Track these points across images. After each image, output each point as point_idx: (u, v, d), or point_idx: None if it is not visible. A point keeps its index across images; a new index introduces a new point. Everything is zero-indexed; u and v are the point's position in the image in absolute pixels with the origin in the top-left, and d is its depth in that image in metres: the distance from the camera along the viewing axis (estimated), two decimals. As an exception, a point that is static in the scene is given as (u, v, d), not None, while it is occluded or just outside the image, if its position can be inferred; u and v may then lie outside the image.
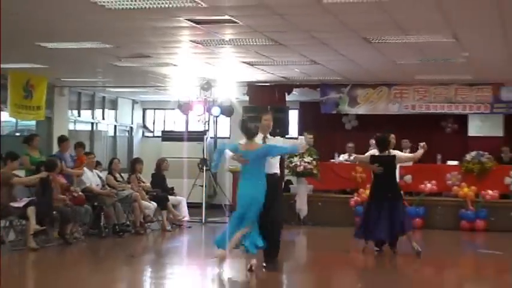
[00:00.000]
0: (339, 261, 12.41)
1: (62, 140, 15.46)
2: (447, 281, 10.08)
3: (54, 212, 12.83)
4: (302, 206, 17.93)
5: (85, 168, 14.74)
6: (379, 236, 12.29)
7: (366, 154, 13.20)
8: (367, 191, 17.09)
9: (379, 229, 12.09)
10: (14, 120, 18.98)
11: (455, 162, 17.84)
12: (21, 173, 13.60)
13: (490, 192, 17.17)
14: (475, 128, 19.08)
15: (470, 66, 15.37)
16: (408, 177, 17.32)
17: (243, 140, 10.44)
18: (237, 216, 10.32)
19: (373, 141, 14.17)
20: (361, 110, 19.11)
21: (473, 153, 17.73)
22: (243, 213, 10.15)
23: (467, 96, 18.30)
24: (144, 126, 24.43)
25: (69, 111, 20.97)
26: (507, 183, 17.26)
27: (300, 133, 20.16)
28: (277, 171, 11.16)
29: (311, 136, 15.96)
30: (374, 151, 12.94)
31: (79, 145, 15.74)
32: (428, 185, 16.92)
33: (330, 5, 9.86)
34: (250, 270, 10.12)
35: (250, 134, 10.30)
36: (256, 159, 10.19)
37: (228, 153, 10.49)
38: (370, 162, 12.66)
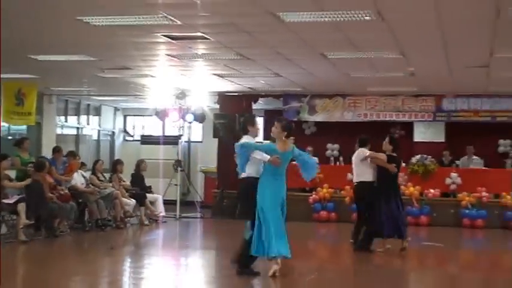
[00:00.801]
0: (301, 250, 12.42)
1: (55, 150, 15.36)
2: (394, 271, 10.11)
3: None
4: (266, 203, 17.94)
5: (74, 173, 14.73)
6: (389, 233, 11.65)
7: (379, 154, 12.12)
8: (324, 190, 17.32)
9: (388, 226, 11.57)
10: (6, 125, 18.84)
11: (402, 165, 17.91)
12: (12, 173, 13.51)
13: (432, 191, 17.33)
14: (419, 134, 19.16)
15: (416, 80, 15.46)
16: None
17: (265, 141, 9.74)
18: (275, 218, 8.98)
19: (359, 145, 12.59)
20: (319, 117, 19.16)
21: (418, 157, 17.88)
22: (279, 213, 9.08)
23: (412, 105, 18.46)
24: (125, 131, 24.30)
25: (57, 117, 20.84)
26: (447, 183, 17.41)
27: (265, 138, 20.17)
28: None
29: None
30: (386, 154, 12.03)
31: (71, 153, 15.61)
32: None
33: (292, 24, 9.88)
34: (273, 276, 8.87)
35: (290, 133, 9.38)
36: (286, 160, 9.25)
37: (260, 154, 9.07)
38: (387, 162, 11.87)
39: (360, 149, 12.19)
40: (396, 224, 11.58)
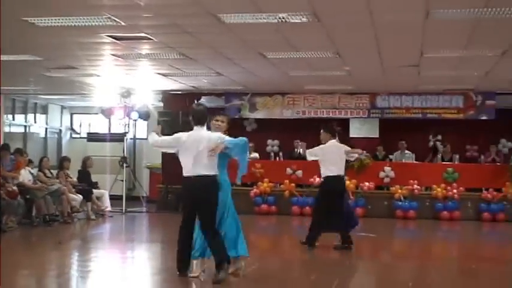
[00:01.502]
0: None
1: (2, 148, 15.02)
2: (329, 259, 10.20)
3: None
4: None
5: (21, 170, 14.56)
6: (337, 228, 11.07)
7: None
8: (265, 184, 17.38)
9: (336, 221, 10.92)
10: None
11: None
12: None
13: (367, 184, 17.53)
14: (355, 130, 19.31)
15: (351, 78, 15.61)
16: (299, 172, 17.56)
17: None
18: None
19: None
20: (259, 114, 19.21)
21: (353, 152, 18.05)
22: None
23: (348, 103, 18.65)
24: (72, 129, 23.96)
25: (5, 115, 20.53)
26: (381, 176, 17.64)
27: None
28: None
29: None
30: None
31: (18, 151, 15.38)
32: (317, 179, 17.12)
33: (232, 25, 9.89)
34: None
35: None
36: None
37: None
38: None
39: (335, 141, 11.20)
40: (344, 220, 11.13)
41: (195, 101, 18.89)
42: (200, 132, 8.09)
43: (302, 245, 11.11)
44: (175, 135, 8.33)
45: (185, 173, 8.04)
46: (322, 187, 11.32)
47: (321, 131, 11.26)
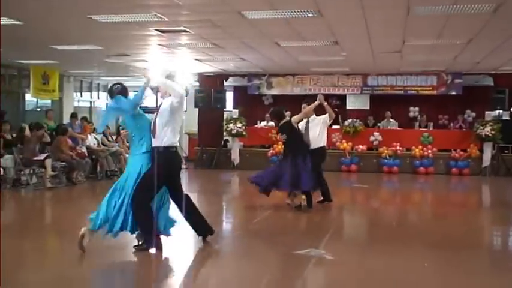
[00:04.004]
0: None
1: (72, 116, 15.24)
2: (331, 204, 10.22)
3: (64, 163, 12.79)
4: (235, 157, 18.00)
5: (87, 134, 14.70)
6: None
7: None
8: (279, 146, 17.38)
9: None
10: (35, 99, 18.72)
11: (337, 127, 18.09)
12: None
13: (360, 146, 17.51)
14: (351, 104, 19.18)
15: (347, 62, 15.51)
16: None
17: None
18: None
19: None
20: (274, 91, 19.14)
21: (349, 120, 18.01)
22: None
23: (345, 82, 18.51)
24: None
25: (74, 93, 20.69)
26: (371, 140, 17.60)
27: (235, 107, 20.15)
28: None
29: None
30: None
31: (84, 119, 15.56)
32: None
33: (252, 20, 9.84)
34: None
35: None
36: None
37: None
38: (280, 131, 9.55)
39: (321, 116, 9.83)
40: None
41: (224, 81, 18.97)
42: None
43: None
44: None
45: None
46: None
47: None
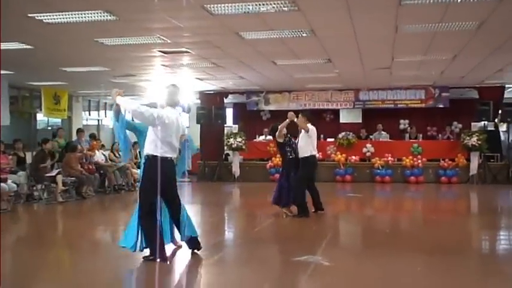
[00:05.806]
0: (261, 202, 12.49)
1: (79, 131, 15.27)
2: (327, 213, 10.21)
3: (74, 178, 12.78)
4: (236, 169, 17.99)
5: (95, 151, 14.68)
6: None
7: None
8: (277, 159, 17.37)
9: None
10: (46, 119, 18.78)
11: (332, 139, 18.11)
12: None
13: (354, 157, 17.52)
14: (344, 117, 19.27)
15: (340, 78, 15.55)
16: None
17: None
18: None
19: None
20: (272, 107, 19.17)
21: (343, 133, 18.04)
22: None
23: (338, 97, 18.54)
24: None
25: (83, 112, 20.68)
26: (364, 151, 17.61)
27: (235, 122, 20.15)
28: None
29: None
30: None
31: (93, 136, 15.62)
32: (316, 154, 17.09)
33: (250, 41, 9.89)
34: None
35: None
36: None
37: None
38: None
39: (313, 126, 9.95)
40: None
41: (224, 98, 19.00)
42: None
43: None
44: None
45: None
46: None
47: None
